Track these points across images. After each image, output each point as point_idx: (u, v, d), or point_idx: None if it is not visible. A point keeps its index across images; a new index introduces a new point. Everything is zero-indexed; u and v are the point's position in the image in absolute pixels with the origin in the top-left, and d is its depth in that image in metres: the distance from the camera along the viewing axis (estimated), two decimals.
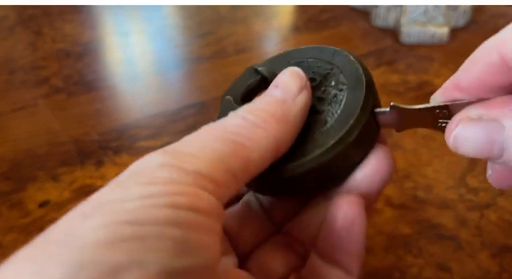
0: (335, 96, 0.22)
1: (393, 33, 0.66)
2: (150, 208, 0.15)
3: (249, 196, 0.26)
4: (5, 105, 0.55)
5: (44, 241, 0.15)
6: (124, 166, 0.51)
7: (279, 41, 0.70)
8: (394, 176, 0.46)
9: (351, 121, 0.21)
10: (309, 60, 0.24)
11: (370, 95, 0.22)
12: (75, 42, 0.66)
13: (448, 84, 0.20)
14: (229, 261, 0.23)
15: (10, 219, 0.42)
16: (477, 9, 0.70)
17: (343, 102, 0.22)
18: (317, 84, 0.23)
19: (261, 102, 0.21)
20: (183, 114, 0.54)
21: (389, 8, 0.66)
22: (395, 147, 0.49)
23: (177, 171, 0.17)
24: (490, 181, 0.21)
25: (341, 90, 0.22)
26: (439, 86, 0.22)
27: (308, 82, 0.22)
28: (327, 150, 0.21)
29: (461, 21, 0.67)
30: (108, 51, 0.68)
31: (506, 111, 0.17)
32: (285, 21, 0.76)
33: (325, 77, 0.23)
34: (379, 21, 0.67)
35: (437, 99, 0.21)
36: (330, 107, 0.22)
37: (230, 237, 0.23)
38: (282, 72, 0.23)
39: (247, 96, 0.26)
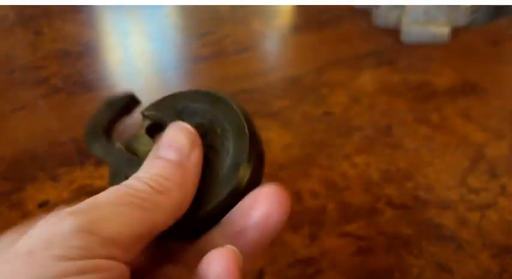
0: (223, 144, 0.23)
1: (394, 33, 0.66)
2: None
3: None
4: (5, 105, 0.55)
5: None
6: None
7: (279, 40, 0.70)
8: (394, 176, 0.46)
9: (240, 172, 0.22)
10: (194, 105, 0.25)
11: (254, 144, 0.23)
12: (75, 42, 0.66)
13: None
14: None
15: (10, 219, 0.42)
16: (477, 9, 0.70)
17: (230, 152, 0.23)
18: (205, 132, 0.24)
19: (159, 167, 0.22)
20: None
21: (390, 8, 0.66)
22: (396, 147, 0.49)
23: (91, 239, 0.17)
24: None
25: (227, 138, 0.23)
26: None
27: (198, 137, 0.23)
28: (220, 202, 0.22)
29: (461, 21, 0.67)
30: (108, 51, 0.68)
31: None
32: (285, 21, 0.76)
33: (211, 123, 0.24)
34: (379, 21, 0.67)
35: None
36: (219, 157, 0.23)
37: None
38: (171, 127, 0.23)
39: (110, 128, 0.26)
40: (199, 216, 0.22)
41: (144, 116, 0.26)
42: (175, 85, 0.60)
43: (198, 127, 0.24)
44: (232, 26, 0.70)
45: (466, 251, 0.39)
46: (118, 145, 0.25)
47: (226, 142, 0.23)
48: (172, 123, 0.24)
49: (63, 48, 0.65)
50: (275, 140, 0.50)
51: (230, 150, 0.23)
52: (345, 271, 0.38)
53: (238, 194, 0.22)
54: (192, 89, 0.26)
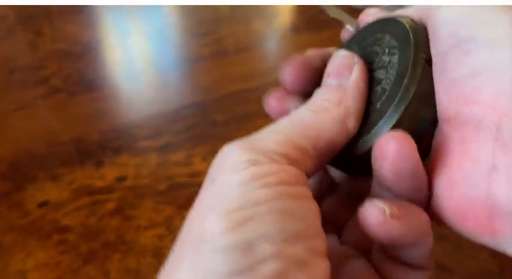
0: (389, 61, 0.23)
1: None
2: (250, 192, 0.17)
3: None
4: (5, 105, 0.55)
5: (181, 248, 0.19)
6: (124, 166, 0.51)
7: (279, 40, 0.70)
8: None
9: (405, 81, 0.21)
10: (368, 38, 0.25)
11: (420, 50, 0.22)
12: (75, 42, 0.66)
13: None
14: (332, 239, 0.25)
15: (10, 219, 0.42)
16: None
17: (396, 65, 0.22)
18: (375, 58, 0.24)
19: (319, 93, 0.23)
20: (183, 113, 0.54)
21: (389, 8, 0.66)
22: None
23: (255, 153, 0.19)
24: None
25: (394, 54, 0.23)
26: None
27: (356, 58, 0.23)
28: (388, 118, 0.21)
29: None
30: (108, 51, 0.68)
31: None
32: (285, 21, 0.76)
33: (380, 46, 0.24)
34: None
35: None
36: (387, 74, 0.22)
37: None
38: (330, 60, 0.24)
39: None
40: (366, 140, 0.22)
41: None
42: (175, 84, 0.60)
43: (365, 50, 0.24)
44: (232, 26, 0.70)
45: (465, 251, 0.39)
46: None
47: (393, 57, 0.23)
48: (332, 56, 0.24)
49: (63, 48, 0.65)
50: None
51: (396, 64, 0.22)
52: None
53: (407, 105, 0.21)
54: (369, 22, 0.26)
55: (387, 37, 0.24)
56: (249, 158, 0.19)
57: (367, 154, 0.21)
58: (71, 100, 0.56)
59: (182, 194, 0.44)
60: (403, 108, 0.21)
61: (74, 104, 0.55)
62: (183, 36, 0.70)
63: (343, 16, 0.27)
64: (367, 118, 0.22)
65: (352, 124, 0.22)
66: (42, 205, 0.43)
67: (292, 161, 0.19)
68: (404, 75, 0.21)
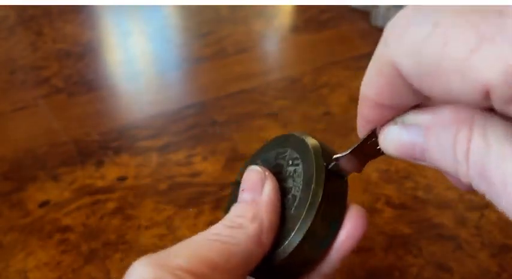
0: (295, 171, 0.25)
1: None
2: None
3: None
4: (5, 105, 0.55)
5: None
6: (124, 166, 0.51)
7: (279, 40, 0.70)
8: (394, 176, 0.46)
9: (313, 186, 0.23)
10: (270, 153, 0.27)
11: (319, 157, 0.24)
12: (75, 42, 0.66)
13: (358, 120, 0.22)
14: None
15: (10, 219, 0.42)
16: None
17: (301, 173, 0.24)
18: (281, 170, 0.25)
19: (235, 209, 0.24)
20: (183, 113, 0.54)
21: (389, 8, 0.66)
22: None
23: (161, 271, 0.19)
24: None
25: (297, 164, 0.25)
26: None
27: (267, 172, 0.25)
28: (302, 223, 0.22)
29: None
30: (108, 51, 0.68)
31: (427, 116, 0.18)
32: (285, 21, 0.76)
33: (283, 159, 0.26)
34: (379, 21, 0.67)
35: (360, 131, 0.22)
36: (294, 182, 0.24)
37: None
38: (243, 176, 0.25)
39: None
40: (283, 249, 0.23)
41: (237, 183, 0.27)
42: (175, 85, 0.61)
43: (269, 163, 0.26)
44: (232, 26, 0.70)
45: (465, 251, 0.39)
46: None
47: (298, 168, 0.25)
48: (245, 172, 0.25)
49: (63, 49, 0.65)
50: None
51: (302, 172, 0.24)
52: (345, 270, 0.38)
53: (318, 207, 0.22)
54: (270, 139, 0.28)
55: (288, 151, 0.26)
56: (153, 276, 0.19)
57: (286, 263, 0.23)
58: (72, 100, 0.56)
59: (182, 194, 0.44)
60: (314, 210, 0.22)
61: (74, 104, 0.56)
62: (183, 36, 0.70)
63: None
64: (283, 224, 0.23)
65: (266, 238, 0.22)
66: (43, 204, 0.44)
67: (198, 277, 0.19)
68: (310, 182, 0.23)
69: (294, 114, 0.54)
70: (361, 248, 0.40)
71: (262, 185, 0.24)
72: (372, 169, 0.47)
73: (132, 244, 0.40)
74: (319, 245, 0.23)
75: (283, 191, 0.24)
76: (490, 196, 0.16)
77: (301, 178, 0.24)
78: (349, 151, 0.23)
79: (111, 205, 0.43)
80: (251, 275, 0.23)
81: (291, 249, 0.22)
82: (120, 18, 0.74)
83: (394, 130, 0.19)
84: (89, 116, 0.54)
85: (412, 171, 0.46)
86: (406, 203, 0.43)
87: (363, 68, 0.21)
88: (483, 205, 0.43)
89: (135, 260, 0.20)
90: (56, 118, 0.53)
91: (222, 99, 0.56)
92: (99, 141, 0.50)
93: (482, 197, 0.18)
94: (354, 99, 0.55)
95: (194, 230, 0.41)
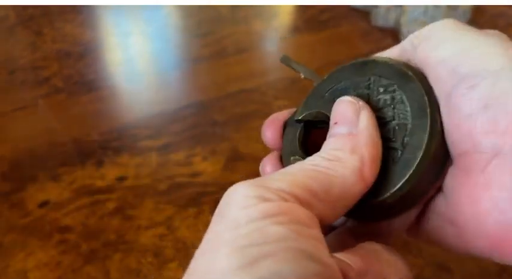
0: (392, 98, 0.22)
1: (393, 33, 0.66)
2: (261, 230, 0.17)
3: None
4: (5, 105, 0.55)
5: None
6: (124, 165, 0.51)
7: (279, 41, 0.70)
8: None
9: (428, 111, 0.21)
10: (342, 83, 0.25)
11: (424, 82, 0.22)
12: (75, 42, 0.66)
13: None
14: None
15: (10, 219, 0.42)
16: (477, 9, 0.70)
17: (405, 100, 0.22)
18: (367, 99, 0.23)
19: (330, 143, 0.22)
20: (183, 113, 0.54)
21: (389, 8, 0.66)
22: None
23: (265, 190, 0.18)
24: None
25: (393, 91, 0.22)
26: None
27: (361, 102, 0.23)
28: (427, 148, 0.20)
29: (460, 21, 0.67)
30: (108, 51, 0.68)
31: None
32: (285, 21, 0.76)
33: (369, 88, 0.23)
34: (379, 21, 0.67)
35: None
36: (396, 110, 0.22)
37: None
38: (334, 107, 0.23)
39: (304, 146, 0.26)
40: (380, 197, 0.21)
41: (298, 121, 0.26)
42: (175, 85, 0.61)
43: (344, 94, 0.24)
44: (232, 26, 0.70)
45: None
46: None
47: (396, 94, 0.22)
48: (335, 103, 0.23)
49: (63, 49, 0.65)
50: None
51: (404, 99, 0.22)
52: None
53: (429, 157, 0.20)
54: (330, 72, 0.26)
55: (372, 78, 0.23)
56: (258, 194, 0.18)
57: (396, 203, 0.21)
58: (72, 100, 0.56)
59: (182, 194, 0.44)
60: (437, 135, 0.20)
61: (74, 104, 0.55)
62: (183, 37, 0.70)
63: (299, 67, 0.26)
64: (392, 156, 0.21)
65: (369, 172, 0.21)
66: (43, 204, 0.44)
67: (302, 202, 0.18)
68: (424, 107, 0.21)
69: None
70: None
71: (358, 117, 0.22)
72: None
73: (132, 244, 0.40)
74: (437, 175, 0.21)
75: (381, 121, 0.22)
76: None
77: (406, 104, 0.22)
78: None
79: (110, 205, 0.43)
80: (349, 213, 0.22)
81: (413, 183, 0.20)
82: (120, 18, 0.74)
83: None
84: (89, 116, 0.54)
85: None
86: None
87: None
88: None
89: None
90: (55, 118, 0.53)
91: (222, 99, 0.56)
92: (99, 141, 0.50)
93: None
94: None
95: (194, 230, 0.41)
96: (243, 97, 0.56)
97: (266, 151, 0.26)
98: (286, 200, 0.18)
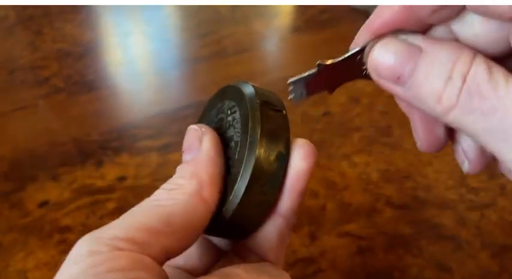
0: (233, 119, 0.24)
1: None
2: None
3: None
4: (5, 105, 0.55)
5: None
6: (124, 165, 0.51)
7: (279, 41, 0.70)
8: (394, 176, 0.46)
9: (250, 125, 0.22)
10: (212, 111, 0.26)
11: (254, 97, 0.23)
12: (75, 42, 0.66)
13: (361, 29, 0.22)
14: None
15: (10, 219, 0.42)
16: None
17: (239, 119, 0.23)
18: (222, 123, 0.25)
19: (176, 172, 0.23)
20: (183, 113, 0.54)
21: None
22: (395, 147, 0.49)
23: (96, 243, 0.19)
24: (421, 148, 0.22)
25: (235, 112, 0.24)
26: None
27: (204, 127, 0.24)
28: (246, 163, 0.21)
29: None
30: (108, 51, 0.68)
31: (429, 40, 0.18)
32: (285, 21, 0.76)
33: (223, 112, 0.25)
34: None
35: (355, 43, 0.22)
36: (234, 129, 0.23)
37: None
38: (185, 136, 0.25)
39: None
40: (232, 206, 0.22)
41: None
42: (175, 85, 0.61)
43: (211, 120, 0.25)
44: (232, 26, 0.70)
45: (465, 251, 0.39)
46: None
47: (236, 114, 0.24)
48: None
49: (63, 48, 0.65)
50: None
51: (239, 116, 0.23)
52: (345, 271, 0.38)
53: (259, 147, 0.22)
54: (214, 94, 0.27)
55: (226, 102, 0.25)
56: (89, 248, 0.18)
57: (240, 212, 0.22)
58: (71, 100, 0.56)
59: None
60: (255, 148, 0.22)
61: (74, 104, 0.55)
62: (183, 37, 0.70)
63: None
64: (230, 174, 0.22)
65: (209, 192, 0.21)
66: (43, 204, 0.44)
67: (140, 243, 0.19)
68: (247, 122, 0.22)
69: (294, 114, 0.54)
70: (361, 248, 0.40)
71: (200, 142, 0.23)
72: (372, 169, 0.47)
73: None
74: (269, 184, 0.22)
75: (225, 142, 0.24)
76: (473, 126, 0.17)
77: (240, 122, 0.23)
78: (334, 60, 0.23)
79: (110, 205, 0.43)
80: (207, 233, 0.23)
81: (240, 194, 0.21)
82: (120, 18, 0.74)
83: (394, 42, 0.19)
84: (88, 116, 0.54)
85: (412, 171, 0.46)
86: (406, 203, 0.43)
87: None
88: (483, 206, 0.42)
89: None
90: (55, 118, 0.53)
91: None
92: (99, 141, 0.50)
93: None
94: (354, 99, 0.55)
95: None
96: None
97: None
98: (119, 248, 0.18)
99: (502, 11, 0.17)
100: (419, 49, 0.18)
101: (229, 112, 0.24)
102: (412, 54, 0.18)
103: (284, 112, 0.23)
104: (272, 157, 0.22)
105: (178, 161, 0.52)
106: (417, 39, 0.19)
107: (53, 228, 0.42)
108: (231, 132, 0.23)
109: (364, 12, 0.70)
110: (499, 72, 0.16)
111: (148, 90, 0.59)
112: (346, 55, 0.22)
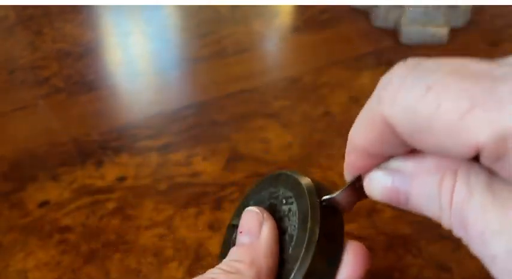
0: (289, 210, 0.24)
1: (393, 33, 0.66)
2: None
3: None
4: (5, 105, 0.55)
5: None
6: (124, 166, 0.51)
7: (279, 41, 0.70)
8: None
9: (309, 224, 0.22)
10: (262, 193, 0.27)
11: (313, 195, 0.23)
12: (75, 42, 0.66)
13: (345, 167, 0.22)
14: None
15: (10, 219, 0.42)
16: (477, 10, 0.70)
17: (296, 212, 0.24)
18: (275, 209, 0.25)
19: (232, 253, 0.23)
20: (183, 113, 0.54)
21: (389, 8, 0.66)
22: None
23: None
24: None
25: (291, 203, 0.24)
26: None
27: (266, 213, 0.24)
28: (301, 263, 0.22)
29: (461, 22, 0.67)
30: (108, 51, 0.68)
31: (416, 168, 0.18)
32: (285, 21, 0.76)
33: (277, 199, 0.25)
34: (379, 22, 0.67)
35: (347, 176, 0.22)
36: (290, 222, 0.24)
37: None
38: (242, 217, 0.25)
39: None
40: None
41: (233, 226, 0.27)
42: (175, 85, 0.61)
43: (269, 207, 0.25)
44: (232, 26, 0.70)
45: (465, 251, 0.39)
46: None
47: (292, 206, 0.24)
48: (243, 213, 0.25)
49: (63, 48, 0.65)
50: (275, 140, 0.50)
51: (296, 210, 0.24)
52: None
53: (316, 245, 0.22)
54: (259, 180, 0.28)
55: (281, 190, 0.25)
56: None
57: None
58: (71, 100, 0.56)
59: (182, 194, 0.44)
60: (313, 249, 0.22)
61: (74, 104, 0.56)
62: (183, 37, 0.70)
63: None
64: (282, 265, 0.23)
65: (269, 278, 0.22)
66: (43, 204, 0.44)
67: None
68: (306, 220, 0.23)
69: (294, 114, 0.54)
70: None
71: (260, 228, 0.24)
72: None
73: (132, 244, 0.40)
74: None
75: (279, 231, 0.24)
76: (468, 243, 0.17)
77: (296, 216, 0.23)
78: (337, 194, 0.23)
79: (110, 205, 0.43)
80: None
81: None
82: (120, 18, 0.74)
83: (379, 176, 0.19)
84: (88, 116, 0.54)
85: None
86: None
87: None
88: None
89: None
90: (55, 118, 0.53)
91: (222, 99, 0.56)
92: (98, 141, 0.50)
93: None
94: (354, 99, 0.55)
95: (194, 230, 0.41)
96: (243, 97, 0.56)
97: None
98: None
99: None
100: (405, 177, 0.18)
101: (284, 201, 0.25)
102: (399, 186, 0.19)
103: (342, 214, 0.24)
104: (325, 260, 0.22)
105: (178, 161, 0.52)
106: (400, 165, 0.19)
107: (53, 228, 0.42)
108: (285, 223, 0.24)
109: (364, 13, 0.70)
110: (478, 185, 0.16)
111: (148, 90, 0.59)
112: (343, 189, 0.22)
